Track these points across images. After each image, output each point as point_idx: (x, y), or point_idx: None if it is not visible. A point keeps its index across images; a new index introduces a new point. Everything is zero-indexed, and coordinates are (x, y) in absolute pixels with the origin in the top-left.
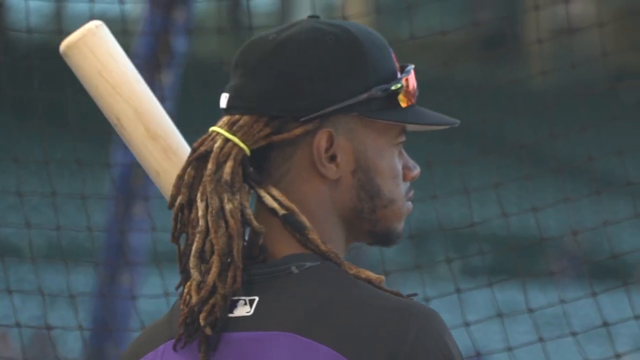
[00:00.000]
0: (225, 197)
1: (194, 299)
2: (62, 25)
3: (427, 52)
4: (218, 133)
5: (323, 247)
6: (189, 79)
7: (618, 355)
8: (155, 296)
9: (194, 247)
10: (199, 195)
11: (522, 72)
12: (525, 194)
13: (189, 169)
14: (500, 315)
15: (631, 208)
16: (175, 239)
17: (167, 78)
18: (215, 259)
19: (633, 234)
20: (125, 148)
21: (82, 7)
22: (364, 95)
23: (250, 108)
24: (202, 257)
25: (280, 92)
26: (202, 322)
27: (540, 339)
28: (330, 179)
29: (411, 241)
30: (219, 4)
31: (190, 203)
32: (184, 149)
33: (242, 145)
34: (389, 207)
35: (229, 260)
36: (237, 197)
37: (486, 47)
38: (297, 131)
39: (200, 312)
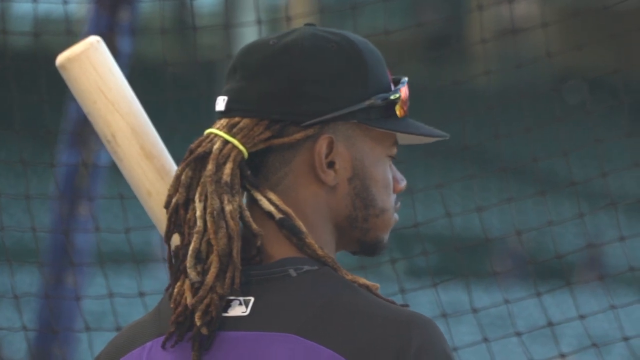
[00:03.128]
0: (226, 198)
1: (189, 299)
2: (6, 25)
3: None
4: (216, 135)
5: (320, 252)
6: (134, 80)
7: (563, 355)
8: (99, 297)
9: (190, 247)
10: (197, 195)
11: (466, 72)
12: (469, 194)
13: (186, 170)
14: (444, 315)
15: (575, 208)
16: (168, 239)
17: None
18: (214, 259)
19: (577, 234)
20: (70, 148)
21: (26, 7)
22: (366, 103)
23: (251, 111)
24: (199, 257)
25: (283, 96)
26: (198, 322)
27: (485, 339)
28: (328, 185)
29: None
30: (163, 4)
31: (187, 203)
32: (174, 173)
33: (241, 147)
34: (381, 216)
35: (227, 260)
36: (237, 198)
37: (430, 48)
38: (298, 136)
39: (195, 311)
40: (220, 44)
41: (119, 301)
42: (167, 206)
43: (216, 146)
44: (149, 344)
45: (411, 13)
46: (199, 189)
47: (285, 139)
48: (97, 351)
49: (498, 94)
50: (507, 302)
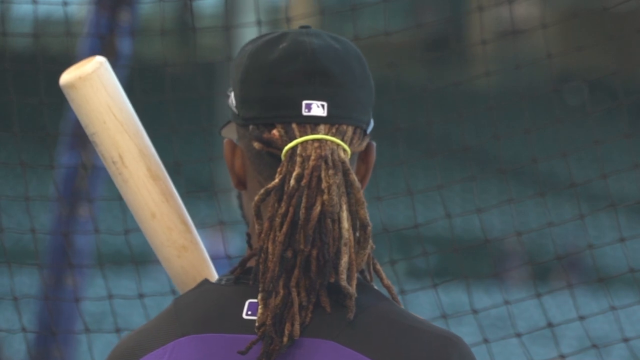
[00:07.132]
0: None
1: (297, 325)
2: (5, 27)
3: (371, 53)
4: (332, 142)
5: (386, 282)
6: (134, 81)
7: (563, 357)
8: (99, 298)
9: (344, 260)
10: (345, 206)
11: (466, 73)
12: (469, 196)
13: (332, 178)
14: (444, 316)
15: (575, 209)
16: (309, 249)
17: None
18: (355, 274)
19: (577, 236)
20: (70, 150)
21: (25, 8)
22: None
23: (353, 119)
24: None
25: (366, 105)
26: (285, 341)
27: (485, 340)
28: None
29: None
30: (163, 5)
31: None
32: (177, 195)
33: (349, 155)
34: None
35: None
36: None
37: (430, 49)
38: (365, 143)
39: (288, 334)
40: (221, 45)
41: (119, 303)
42: (331, 214)
43: (343, 155)
44: (170, 344)
45: (411, 14)
46: (345, 199)
47: (361, 147)
48: (97, 353)
49: (498, 95)
50: (507, 303)
